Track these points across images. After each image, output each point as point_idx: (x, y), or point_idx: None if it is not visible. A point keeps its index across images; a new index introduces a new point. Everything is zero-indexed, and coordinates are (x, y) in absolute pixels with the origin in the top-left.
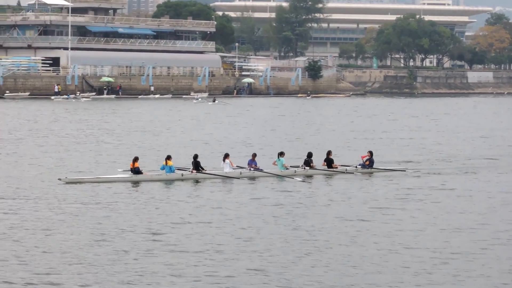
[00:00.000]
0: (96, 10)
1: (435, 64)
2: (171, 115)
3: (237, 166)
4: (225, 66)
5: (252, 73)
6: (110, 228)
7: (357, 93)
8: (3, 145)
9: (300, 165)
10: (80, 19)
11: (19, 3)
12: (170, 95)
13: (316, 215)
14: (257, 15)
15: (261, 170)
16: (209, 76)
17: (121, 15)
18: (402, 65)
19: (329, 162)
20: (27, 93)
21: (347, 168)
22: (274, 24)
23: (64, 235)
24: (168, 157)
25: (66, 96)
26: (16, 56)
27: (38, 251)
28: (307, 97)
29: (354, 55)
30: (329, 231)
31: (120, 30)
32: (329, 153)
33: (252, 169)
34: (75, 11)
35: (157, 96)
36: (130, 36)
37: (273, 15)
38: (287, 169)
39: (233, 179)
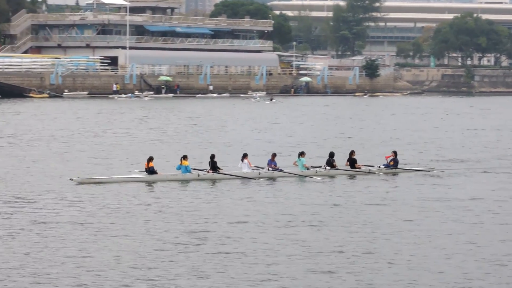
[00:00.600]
0: (154, 10)
1: (492, 63)
2: (228, 113)
3: (255, 166)
4: (283, 65)
5: (309, 72)
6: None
7: (414, 92)
8: (96, 142)
9: (322, 165)
10: (138, 19)
11: (77, 3)
12: (228, 94)
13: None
14: (314, 14)
15: (281, 170)
16: (266, 75)
17: (179, 14)
18: (459, 64)
19: (352, 162)
20: (86, 92)
21: (371, 168)
22: (331, 23)
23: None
24: (184, 157)
25: (129, 95)
26: (75, 55)
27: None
28: (364, 96)
29: (411, 54)
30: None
31: (178, 30)
32: (352, 153)
33: (271, 169)
34: (133, 10)
35: (215, 95)
36: (187, 35)
37: (330, 14)
38: (307, 169)
39: (251, 179)
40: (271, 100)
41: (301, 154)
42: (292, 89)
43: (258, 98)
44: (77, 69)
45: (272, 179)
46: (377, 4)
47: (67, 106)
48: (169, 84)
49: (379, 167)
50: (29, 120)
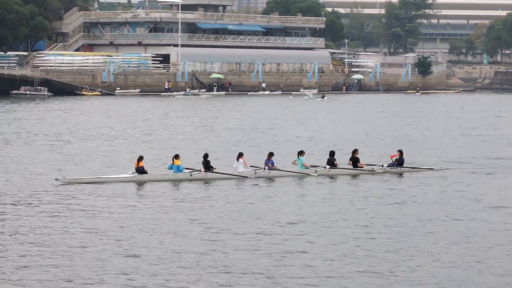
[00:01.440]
0: (206, 7)
1: None
2: (281, 111)
3: (251, 166)
4: (335, 62)
5: (361, 69)
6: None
7: (467, 90)
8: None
9: (322, 165)
10: (190, 16)
11: (129, 1)
12: (280, 92)
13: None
14: (366, 11)
15: (278, 169)
16: (318, 72)
17: (231, 12)
18: None
19: (354, 161)
20: (137, 90)
21: (374, 167)
22: (383, 20)
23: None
24: (176, 156)
25: (186, 92)
26: (127, 53)
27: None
28: (416, 94)
29: (464, 51)
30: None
31: (230, 27)
32: (354, 151)
33: (267, 168)
34: (185, 8)
35: (266, 92)
36: (239, 32)
37: (382, 11)
38: (307, 168)
39: (246, 178)
40: (322, 97)
41: (300, 153)
42: (344, 87)
43: (311, 95)
44: (129, 67)
45: (269, 178)
46: (430, 1)
47: (133, 104)
48: (220, 81)
49: (382, 166)
50: (100, 116)
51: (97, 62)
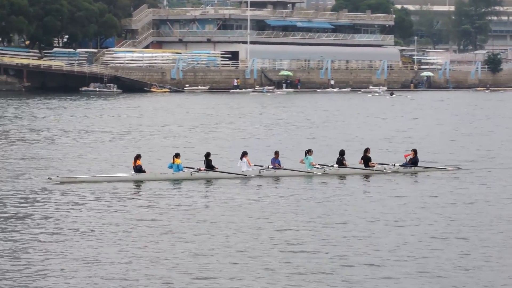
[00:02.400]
0: (275, 4)
1: None
2: (349, 108)
3: (255, 165)
4: (404, 59)
5: (431, 66)
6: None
7: None
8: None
9: (332, 164)
10: (259, 13)
11: None
12: (349, 89)
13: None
14: (436, 8)
15: (284, 168)
16: (387, 69)
17: (300, 9)
18: None
19: (366, 160)
20: (207, 87)
21: (386, 167)
22: (453, 17)
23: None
24: (177, 155)
25: (263, 89)
26: (196, 50)
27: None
28: (486, 91)
29: None
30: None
31: (299, 24)
32: (366, 150)
33: (271, 167)
34: (254, 5)
35: (335, 89)
36: (308, 30)
37: (452, 8)
38: (314, 167)
39: (250, 178)
40: (391, 94)
41: (308, 151)
42: (412, 84)
43: (381, 92)
44: (198, 64)
45: (275, 178)
46: None
47: (207, 100)
48: (289, 78)
49: (394, 165)
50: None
51: (166, 59)
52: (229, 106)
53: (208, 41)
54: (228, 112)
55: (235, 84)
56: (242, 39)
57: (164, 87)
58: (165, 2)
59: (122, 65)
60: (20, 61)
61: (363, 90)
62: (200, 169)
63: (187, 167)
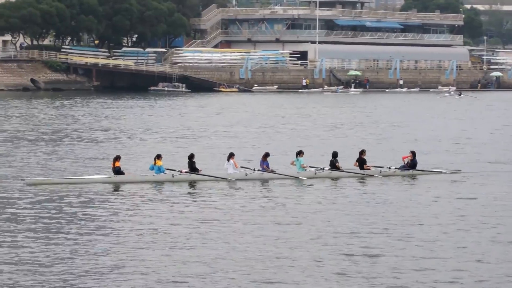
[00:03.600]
0: (344, 4)
1: None
2: (419, 108)
3: (241, 167)
4: (473, 59)
5: (500, 66)
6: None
7: None
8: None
9: (322, 167)
10: (327, 13)
11: None
12: (418, 89)
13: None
14: (506, 7)
15: (273, 171)
16: (456, 69)
17: (369, 8)
18: None
19: (361, 162)
20: (275, 87)
21: (382, 169)
22: None
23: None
24: (158, 156)
25: (335, 89)
26: (264, 49)
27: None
28: None
29: None
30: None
31: (368, 24)
32: (362, 152)
33: (257, 169)
34: (323, 4)
35: (404, 89)
36: (377, 29)
37: None
38: (305, 170)
39: (237, 181)
40: (459, 95)
41: (299, 153)
42: (479, 84)
43: (452, 93)
44: (266, 63)
45: (262, 181)
46: None
47: (280, 100)
48: (358, 78)
49: (389, 168)
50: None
51: (235, 59)
52: (298, 105)
53: (277, 40)
54: (295, 112)
55: (304, 83)
56: (310, 39)
57: (233, 87)
58: (234, 2)
59: (191, 64)
60: (89, 60)
61: (432, 90)
62: (181, 171)
63: (168, 169)
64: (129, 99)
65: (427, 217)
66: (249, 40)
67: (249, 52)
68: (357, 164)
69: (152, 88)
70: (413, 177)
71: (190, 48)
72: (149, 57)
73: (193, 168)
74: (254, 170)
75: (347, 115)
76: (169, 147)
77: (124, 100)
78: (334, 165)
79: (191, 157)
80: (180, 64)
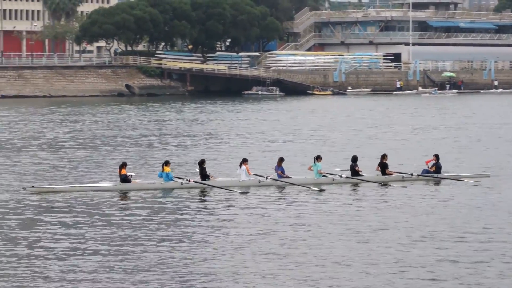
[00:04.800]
0: (437, 5)
1: None
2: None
3: (254, 174)
4: None
5: None
6: None
7: None
8: None
9: (341, 174)
10: (420, 14)
11: (360, 0)
12: None
13: None
14: None
15: (288, 177)
16: None
17: (462, 9)
18: None
19: (383, 167)
20: (369, 89)
21: (404, 175)
22: None
23: None
24: (166, 163)
25: (433, 90)
26: (358, 52)
27: None
28: None
29: None
30: None
31: (461, 25)
32: (383, 156)
33: (270, 176)
34: (416, 6)
35: (499, 90)
36: (471, 30)
37: None
38: (323, 176)
39: (249, 188)
40: None
41: (317, 158)
42: None
43: None
44: (360, 66)
45: (276, 188)
46: None
47: (377, 103)
48: (452, 80)
49: (411, 174)
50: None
51: (328, 62)
52: (393, 108)
53: (370, 43)
54: (389, 114)
55: (398, 85)
56: (404, 41)
57: (327, 90)
58: (326, 5)
59: (284, 68)
60: (183, 65)
61: None
62: (189, 180)
63: (177, 177)
64: (222, 104)
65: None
66: (342, 43)
67: (343, 55)
68: (379, 168)
69: (246, 92)
70: (437, 183)
71: (283, 52)
72: (243, 61)
73: (203, 175)
74: (267, 178)
75: (452, 117)
76: (255, 151)
77: (217, 105)
78: (354, 170)
79: (201, 163)
80: (273, 68)
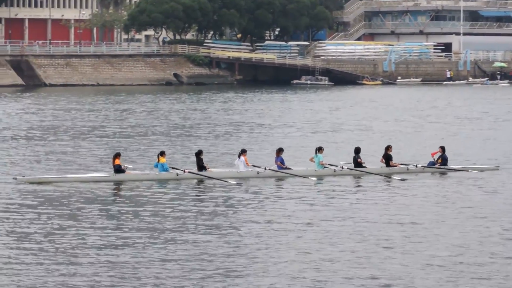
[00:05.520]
0: None
1: None
2: None
3: (253, 165)
4: None
5: None
6: None
7: None
8: None
9: (342, 165)
10: (471, 4)
11: None
12: None
13: None
14: None
15: (287, 168)
16: None
17: None
18: None
19: (387, 159)
20: (419, 79)
21: (408, 167)
22: None
23: None
24: (162, 153)
25: (485, 81)
26: (408, 42)
27: None
28: None
29: None
30: None
31: None
32: (388, 148)
33: (269, 168)
34: None
35: None
36: None
37: None
38: (324, 167)
39: (249, 179)
40: None
41: (319, 149)
42: None
43: None
44: (410, 56)
45: (278, 179)
46: None
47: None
48: (503, 70)
49: (416, 166)
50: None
51: (378, 52)
52: (442, 98)
53: (421, 32)
54: (435, 105)
55: (448, 76)
56: (455, 31)
57: (376, 80)
58: None
59: (333, 57)
60: (231, 54)
61: None
62: (184, 171)
63: (173, 168)
64: (271, 93)
65: None
66: (392, 33)
67: (393, 45)
68: (383, 160)
69: (295, 81)
70: (443, 174)
71: (333, 41)
72: (292, 51)
73: (200, 166)
74: (265, 168)
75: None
76: (294, 141)
77: (265, 94)
78: (356, 162)
79: (198, 153)
80: (322, 57)
